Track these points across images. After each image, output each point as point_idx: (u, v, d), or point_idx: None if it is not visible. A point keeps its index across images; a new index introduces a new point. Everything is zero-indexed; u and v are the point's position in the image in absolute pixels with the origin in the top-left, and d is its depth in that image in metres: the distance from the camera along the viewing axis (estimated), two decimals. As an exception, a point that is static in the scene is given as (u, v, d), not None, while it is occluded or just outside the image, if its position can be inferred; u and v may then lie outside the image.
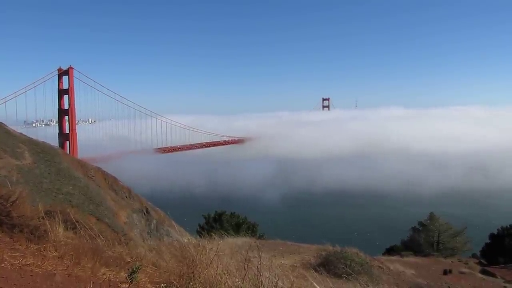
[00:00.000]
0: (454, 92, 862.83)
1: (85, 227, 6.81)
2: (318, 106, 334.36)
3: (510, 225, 37.17)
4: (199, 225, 32.89)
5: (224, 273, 5.20)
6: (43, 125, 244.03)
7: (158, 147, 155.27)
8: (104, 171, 45.00)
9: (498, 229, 37.99)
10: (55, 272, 4.71)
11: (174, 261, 6.22)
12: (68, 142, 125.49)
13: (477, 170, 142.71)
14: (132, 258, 6.06)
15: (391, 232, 76.66)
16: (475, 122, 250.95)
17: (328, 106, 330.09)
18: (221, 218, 31.83)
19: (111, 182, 42.75)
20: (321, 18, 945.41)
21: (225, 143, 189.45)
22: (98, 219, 23.05)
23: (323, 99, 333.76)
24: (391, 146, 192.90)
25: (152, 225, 39.23)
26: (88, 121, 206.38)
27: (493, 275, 27.81)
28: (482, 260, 35.77)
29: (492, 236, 38.24)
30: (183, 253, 6.50)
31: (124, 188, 43.25)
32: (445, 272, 25.33)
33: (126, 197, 41.43)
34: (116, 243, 7.51)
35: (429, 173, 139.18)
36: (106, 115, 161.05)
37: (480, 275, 27.47)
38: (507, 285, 23.89)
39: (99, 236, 6.57)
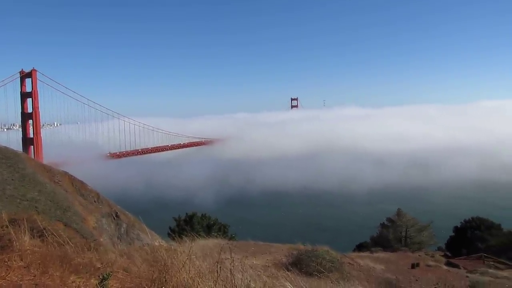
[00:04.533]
0: (414, 90, 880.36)
1: (52, 234, 6.65)
2: (287, 106, 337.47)
3: (472, 218, 38.58)
4: (170, 228, 32.59)
5: (197, 276, 5.19)
6: (5, 130, 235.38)
7: (117, 151, 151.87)
8: (71, 176, 43.84)
9: (461, 222, 39.36)
10: (21, 282, 4.59)
11: (145, 265, 6.15)
12: (32, 146, 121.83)
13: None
14: (102, 264, 5.96)
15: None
16: (425, 120, 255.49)
17: (297, 106, 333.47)
18: (192, 220, 31.64)
19: (79, 186, 41.71)
20: (289, 19, 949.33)
21: (187, 145, 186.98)
22: (66, 225, 22.48)
23: (292, 99, 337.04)
24: (342, 145, 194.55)
25: (122, 229, 38.48)
26: (54, 125, 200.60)
27: (457, 266, 28.85)
28: (447, 253, 37.02)
29: (456, 229, 39.57)
30: (155, 257, 6.44)
31: (92, 192, 42.26)
32: (413, 266, 26.05)
33: (94, 201, 40.50)
34: (86, 249, 7.38)
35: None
36: (72, 118, 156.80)
37: (445, 267, 28.43)
38: (469, 275, 24.87)
39: (67, 242, 6.43)
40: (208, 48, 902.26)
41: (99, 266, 5.75)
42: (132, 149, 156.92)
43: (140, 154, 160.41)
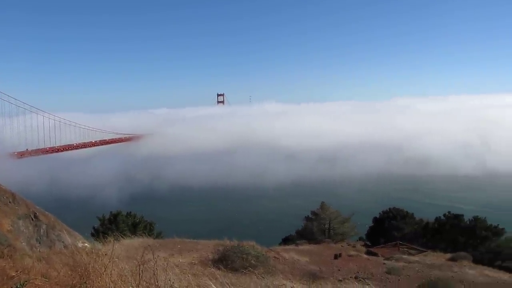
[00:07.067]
0: (335, 87, 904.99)
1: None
2: (213, 102, 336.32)
3: (389, 209, 41.23)
4: (94, 227, 31.36)
5: (119, 280, 5.13)
6: None
7: (29, 149, 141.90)
8: (-18, 175, 40.69)
9: (379, 213, 41.90)
10: None
11: (66, 270, 5.98)
12: None
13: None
14: (17, 271, 5.68)
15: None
16: (340, 117, 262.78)
17: (223, 102, 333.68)
18: (116, 219, 30.68)
19: (-9, 187, 38.79)
20: (214, 14, 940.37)
21: (103, 143, 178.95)
22: (-25, 230, 20.88)
23: (218, 95, 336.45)
24: (257, 141, 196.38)
25: (41, 231, 36.34)
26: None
27: (375, 254, 30.76)
28: (367, 242, 39.30)
29: (374, 219, 42.06)
30: (76, 261, 6.25)
31: (7, 192, 39.36)
32: (336, 257, 27.34)
33: (9, 202, 37.75)
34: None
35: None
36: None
37: (365, 256, 30.19)
38: (386, 261, 26.75)
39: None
40: (130, 42, 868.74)
41: (14, 274, 5.48)
42: (44, 147, 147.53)
43: (53, 152, 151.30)
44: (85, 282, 4.94)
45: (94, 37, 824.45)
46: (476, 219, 36.19)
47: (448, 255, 29.25)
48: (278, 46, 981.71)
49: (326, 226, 40.19)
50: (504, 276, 23.39)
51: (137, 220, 31.02)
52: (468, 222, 36.42)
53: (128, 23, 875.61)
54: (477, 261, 28.04)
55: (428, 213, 45.60)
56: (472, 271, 23.39)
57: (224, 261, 12.93)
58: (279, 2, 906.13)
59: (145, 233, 25.41)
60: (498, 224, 36.03)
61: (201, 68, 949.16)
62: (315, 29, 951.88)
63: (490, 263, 27.88)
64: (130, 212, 31.92)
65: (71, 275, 5.49)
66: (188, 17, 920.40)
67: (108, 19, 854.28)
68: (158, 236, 27.92)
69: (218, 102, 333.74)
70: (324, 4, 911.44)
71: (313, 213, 41.80)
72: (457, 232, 35.58)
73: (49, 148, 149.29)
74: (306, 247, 31.42)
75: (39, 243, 31.81)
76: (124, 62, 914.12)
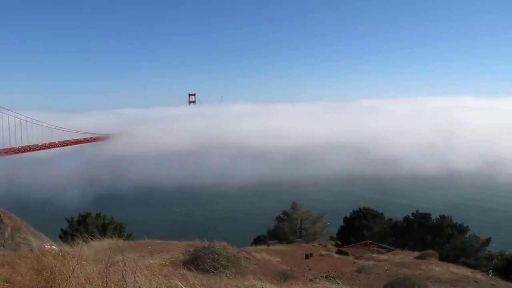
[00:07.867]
0: (304, 88, 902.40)
1: None
2: (184, 102, 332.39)
3: (359, 209, 41.91)
4: (62, 229, 30.63)
5: (87, 282, 5.01)
6: None
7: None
8: None
9: (350, 213, 42.52)
10: None
11: (31, 274, 5.82)
12: None
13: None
14: (-23, 278, 5.48)
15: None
16: (309, 117, 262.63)
17: (194, 101, 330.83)
18: (85, 220, 30.05)
19: (-48, 189, 37.37)
20: (183, 13, 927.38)
21: (68, 143, 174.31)
22: None
23: (189, 95, 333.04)
24: (225, 141, 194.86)
25: (6, 234, 35.29)
26: None
27: (346, 254, 31.29)
28: (338, 242, 39.85)
29: (345, 219, 42.66)
30: (41, 264, 6.08)
31: (-32, 195, 38.17)
32: (307, 256, 27.63)
33: (-29, 204, 36.58)
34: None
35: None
36: None
37: (336, 255, 30.64)
38: (356, 260, 27.24)
39: None
40: (97, 41, 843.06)
41: (-27, 281, 5.28)
42: (7, 148, 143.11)
43: (16, 153, 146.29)
44: (51, 286, 4.80)
45: (59, 36, 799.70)
46: (442, 217, 37.25)
47: (416, 253, 30.02)
48: (251, 46, 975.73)
49: (298, 226, 40.48)
50: (467, 272, 24.21)
51: (107, 222, 30.46)
52: (435, 221, 37.44)
53: (95, 22, 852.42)
54: (443, 258, 28.97)
55: (395, 212, 46.53)
56: (438, 268, 24.08)
57: (195, 262, 12.83)
58: (250, 2, 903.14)
59: (115, 234, 24.99)
60: (462, 222, 37.23)
61: (173, 68, 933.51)
62: (285, 29, 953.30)
63: (455, 260, 28.86)
64: (100, 214, 31.31)
65: (36, 279, 5.34)
66: (158, 17, 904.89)
67: (74, 18, 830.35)
68: (129, 237, 27.49)
69: (190, 102, 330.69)
70: (294, 4, 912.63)
71: (285, 213, 42.01)
72: (424, 230, 36.52)
73: (11, 148, 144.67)
74: (277, 247, 31.58)
75: (3, 246, 30.83)
76: (93, 62, 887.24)
